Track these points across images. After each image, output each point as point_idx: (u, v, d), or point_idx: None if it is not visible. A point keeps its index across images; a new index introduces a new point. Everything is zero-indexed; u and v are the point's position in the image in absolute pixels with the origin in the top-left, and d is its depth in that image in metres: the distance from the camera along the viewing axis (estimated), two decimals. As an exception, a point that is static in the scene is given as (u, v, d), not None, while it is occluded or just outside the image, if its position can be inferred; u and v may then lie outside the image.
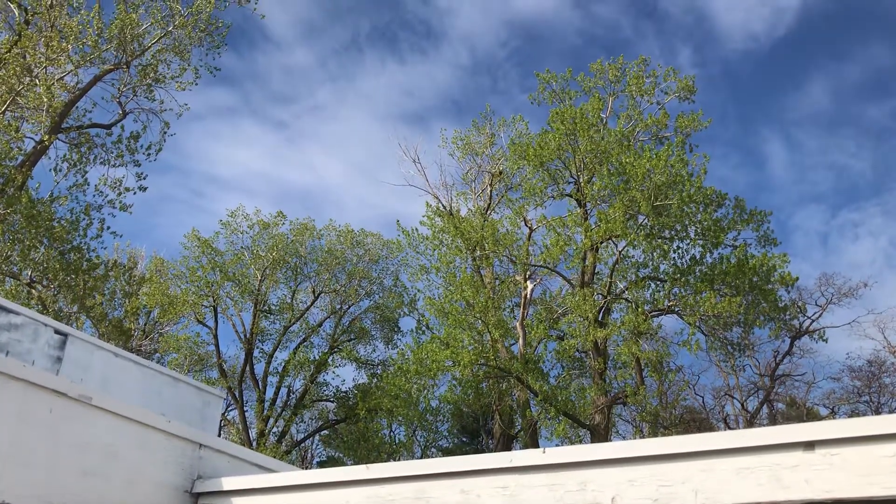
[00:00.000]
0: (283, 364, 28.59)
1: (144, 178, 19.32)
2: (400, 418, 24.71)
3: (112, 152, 19.29)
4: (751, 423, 28.08)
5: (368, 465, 3.90)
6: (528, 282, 24.79)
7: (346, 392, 29.88)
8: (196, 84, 20.78)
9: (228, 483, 4.16)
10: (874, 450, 2.85)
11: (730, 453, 3.11)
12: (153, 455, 4.11)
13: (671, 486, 3.15)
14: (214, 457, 4.42)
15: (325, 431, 31.59)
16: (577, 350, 24.17)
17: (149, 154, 19.71)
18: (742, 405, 29.78)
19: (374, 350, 30.74)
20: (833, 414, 29.03)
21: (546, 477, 3.39)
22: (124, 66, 19.96)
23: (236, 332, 28.70)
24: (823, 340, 23.71)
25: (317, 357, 29.20)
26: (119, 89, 20.34)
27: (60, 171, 18.53)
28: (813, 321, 26.36)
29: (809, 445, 2.98)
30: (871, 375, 29.13)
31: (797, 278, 21.13)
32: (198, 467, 4.30)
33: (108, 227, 18.65)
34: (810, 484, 2.93)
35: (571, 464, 3.36)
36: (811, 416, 29.61)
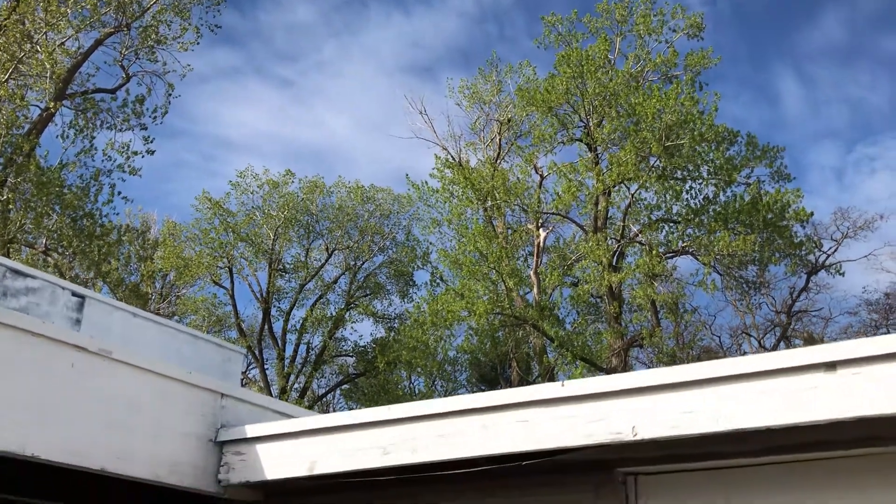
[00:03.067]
0: (300, 322, 28.82)
1: (152, 142, 19.30)
2: (419, 369, 24.91)
3: (118, 117, 19.25)
4: (768, 360, 28.01)
5: (390, 406, 3.93)
6: (541, 230, 24.74)
7: (364, 346, 30.16)
8: (198, 44, 20.63)
9: (252, 430, 4.21)
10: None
11: (750, 378, 3.10)
12: (176, 406, 4.15)
13: (691, 413, 3.15)
14: (237, 406, 4.47)
15: (346, 386, 31.97)
16: (592, 295, 24.17)
17: (155, 117, 19.67)
18: (759, 343, 29.80)
19: (391, 304, 30.94)
20: (850, 348, 28.91)
21: (566, 409, 3.41)
22: (125, 29, 19.79)
23: (252, 292, 28.92)
24: (840, 274, 23.56)
25: (333, 313, 29.41)
26: (121, 53, 20.20)
27: (67, 137, 18.53)
28: (829, 256, 26.18)
29: (831, 366, 2.97)
30: (888, 308, 29.03)
31: (812, 213, 20.94)
32: (220, 416, 4.35)
33: (120, 193, 18.72)
34: (832, 404, 2.93)
35: (591, 395, 3.37)
36: (828, 351, 29.47)
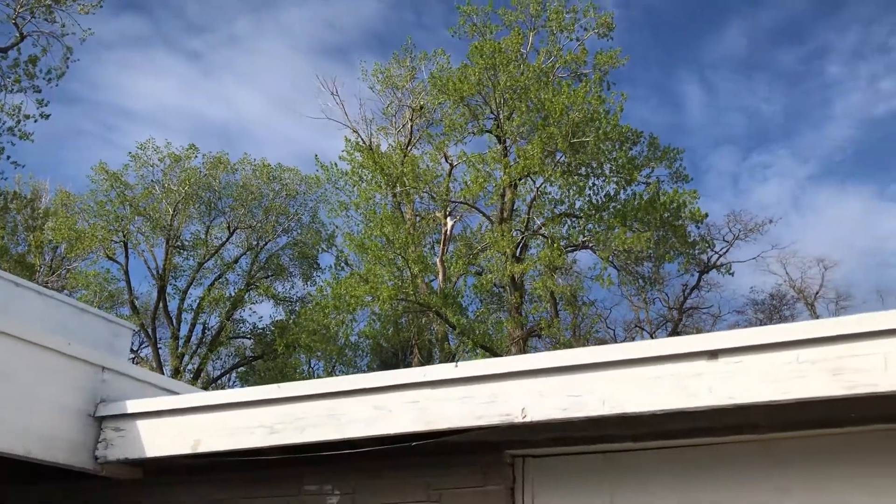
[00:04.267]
0: (197, 301, 28.04)
1: (46, 105, 18.39)
2: (318, 354, 24.66)
3: (9, 77, 18.23)
4: (660, 355, 28.97)
5: (280, 384, 3.84)
6: (449, 218, 24.85)
7: (263, 329, 29.61)
8: (101, 6, 19.71)
9: (133, 406, 4.04)
10: (774, 357, 2.94)
11: (636, 363, 3.16)
12: (52, 378, 3.93)
13: (579, 396, 3.19)
14: (119, 380, 4.28)
15: (243, 368, 31.34)
16: (495, 285, 24.48)
17: (49, 80, 18.71)
18: (651, 337, 30.84)
19: (293, 287, 30.48)
20: (736, 346, 30.18)
21: (458, 390, 3.40)
22: (19, -15, 18.72)
23: (148, 268, 27.96)
24: (730, 274, 24.63)
25: (233, 294, 28.75)
26: (15, 10, 19.08)
27: (-48, 96, 17.44)
28: (720, 256, 27.30)
29: (713, 354, 3.06)
30: (772, 308, 30.54)
31: (706, 214, 21.80)
32: (101, 391, 4.15)
33: (9, 157, 17.77)
34: (714, 391, 3.01)
35: (483, 377, 3.37)
36: (716, 348, 30.68)
